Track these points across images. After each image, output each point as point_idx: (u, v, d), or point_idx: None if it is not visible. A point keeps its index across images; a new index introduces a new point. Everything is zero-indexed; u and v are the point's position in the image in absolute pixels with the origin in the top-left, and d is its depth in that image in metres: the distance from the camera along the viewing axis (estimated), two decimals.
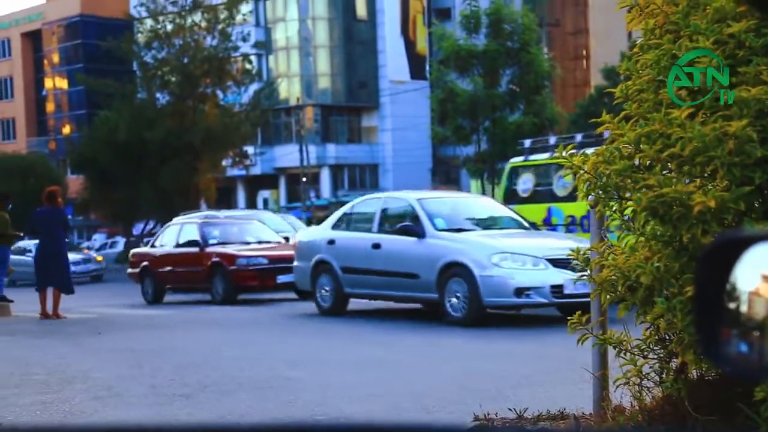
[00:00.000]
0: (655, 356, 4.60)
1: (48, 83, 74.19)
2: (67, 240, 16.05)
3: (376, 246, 13.01)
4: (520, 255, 11.55)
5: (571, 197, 14.17)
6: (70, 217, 23.37)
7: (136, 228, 46.73)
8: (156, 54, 43.22)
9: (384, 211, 13.54)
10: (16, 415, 6.62)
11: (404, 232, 12.53)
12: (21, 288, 23.96)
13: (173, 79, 42.78)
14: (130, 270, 20.30)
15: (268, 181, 62.96)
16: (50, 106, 73.79)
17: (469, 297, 11.58)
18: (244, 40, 43.28)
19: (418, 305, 13.73)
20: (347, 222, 14.18)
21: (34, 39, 76.14)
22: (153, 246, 20.43)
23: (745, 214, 3.95)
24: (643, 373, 4.63)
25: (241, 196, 63.93)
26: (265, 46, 56.04)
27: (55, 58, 73.30)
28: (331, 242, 13.90)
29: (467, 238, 12.14)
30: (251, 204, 63.51)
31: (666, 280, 4.11)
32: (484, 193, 31.15)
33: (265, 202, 63.71)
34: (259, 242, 18.77)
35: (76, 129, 62.53)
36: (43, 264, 15.04)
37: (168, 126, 40.90)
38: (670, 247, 4.12)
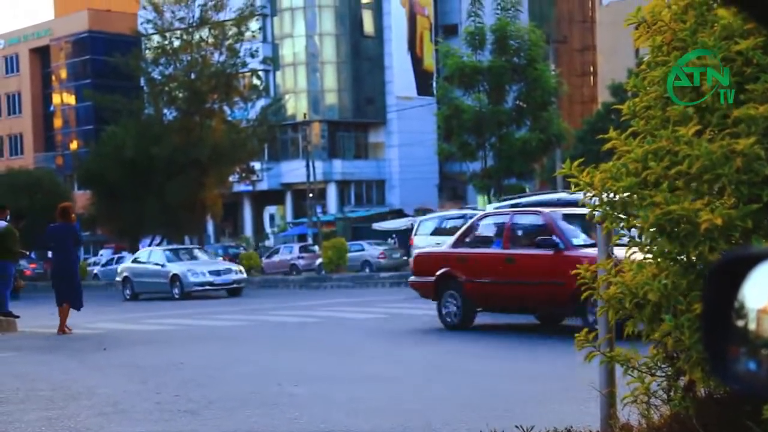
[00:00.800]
0: (663, 374, 4.57)
1: (56, 99, 74.48)
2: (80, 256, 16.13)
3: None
4: None
5: None
6: None
7: (142, 243, 46.74)
8: (163, 70, 43.36)
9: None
10: (21, 431, 6.61)
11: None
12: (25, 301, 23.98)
13: (180, 94, 42.90)
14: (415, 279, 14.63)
15: (275, 196, 63.01)
16: (58, 122, 74.05)
17: None
18: (252, 56, 43.40)
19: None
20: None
21: (42, 55, 76.48)
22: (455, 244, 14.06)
23: (752, 231, 3.93)
24: (651, 391, 4.60)
25: (247, 211, 63.99)
26: (273, 62, 56.19)
27: (63, 74, 73.61)
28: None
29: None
30: (257, 220, 63.59)
31: (673, 298, 4.10)
32: None
33: (272, 217, 63.76)
34: None
35: (84, 144, 62.73)
36: (58, 279, 15.22)
37: (175, 142, 40.99)
38: (677, 264, 4.10)
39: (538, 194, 20.40)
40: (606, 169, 4.29)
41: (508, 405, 6.99)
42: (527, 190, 36.02)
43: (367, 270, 38.00)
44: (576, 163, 4.51)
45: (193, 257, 29.26)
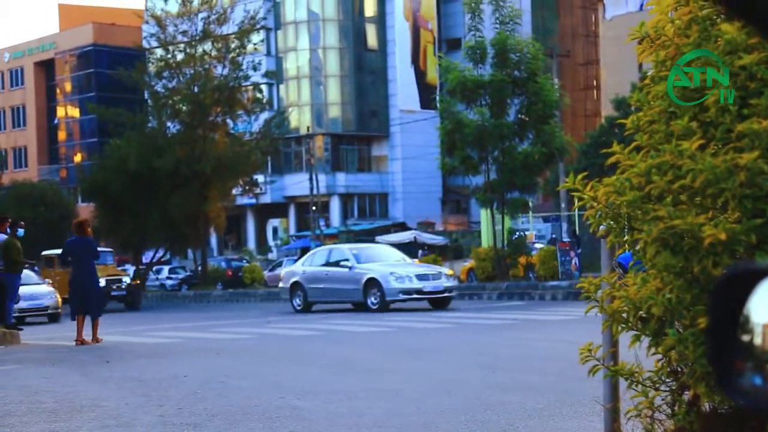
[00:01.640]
0: (667, 388, 4.56)
1: (60, 112, 74.69)
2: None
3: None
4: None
5: None
6: None
7: (145, 256, 46.80)
8: (167, 83, 43.45)
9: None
10: None
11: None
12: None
13: (184, 108, 42.98)
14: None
15: (278, 209, 63.06)
16: (62, 135, 74.24)
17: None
18: (255, 69, 43.48)
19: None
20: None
21: (46, 68, 76.74)
22: None
23: (756, 246, 3.93)
24: (655, 406, 4.59)
25: (250, 224, 64.03)
26: (276, 76, 56.29)
27: (68, 87, 73.84)
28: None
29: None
30: (261, 233, 63.63)
31: (677, 312, 4.09)
32: (494, 222, 31.10)
33: (275, 230, 63.78)
34: None
35: (87, 157, 62.86)
36: (77, 292, 15.51)
37: (178, 154, 41.03)
38: (681, 278, 4.10)
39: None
40: (609, 183, 4.29)
41: (511, 418, 6.98)
42: (530, 203, 36.03)
43: None
44: (580, 177, 4.52)
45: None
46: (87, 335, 15.40)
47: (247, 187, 46.74)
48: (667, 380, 4.54)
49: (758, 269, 1.70)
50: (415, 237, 45.64)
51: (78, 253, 15.55)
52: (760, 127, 3.88)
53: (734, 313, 1.69)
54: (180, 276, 49.94)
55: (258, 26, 47.02)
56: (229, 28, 43.27)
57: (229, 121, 44.05)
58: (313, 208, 52.32)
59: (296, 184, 59.54)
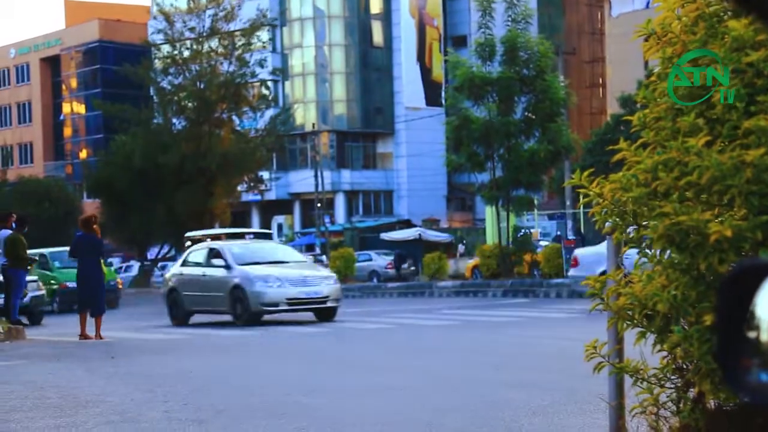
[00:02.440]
0: (673, 385, 4.55)
1: (66, 108, 74.75)
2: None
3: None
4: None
5: None
6: None
7: (150, 252, 46.86)
8: (173, 79, 43.49)
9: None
10: None
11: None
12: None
13: (189, 104, 43.03)
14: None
15: (283, 206, 63.06)
16: (68, 131, 74.30)
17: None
18: (261, 65, 43.48)
19: None
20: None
21: (52, 64, 76.78)
22: None
23: (762, 243, 3.92)
24: (660, 403, 4.58)
25: (255, 221, 64.04)
26: (282, 72, 56.27)
27: (73, 83, 73.89)
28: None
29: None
30: (266, 229, 63.66)
31: (683, 309, 4.08)
32: (499, 219, 31.06)
33: (280, 227, 63.81)
34: None
35: (93, 153, 62.93)
36: (81, 288, 15.68)
37: (184, 151, 41.08)
38: (687, 275, 4.09)
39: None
40: (616, 180, 4.28)
41: (515, 416, 6.97)
42: (535, 201, 35.97)
43: (375, 280, 37.99)
44: (586, 173, 4.51)
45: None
46: (91, 331, 15.42)
47: (252, 184, 46.78)
48: (673, 377, 4.54)
49: (765, 265, 1.70)
50: (419, 234, 45.60)
51: (83, 249, 15.60)
52: (766, 124, 3.87)
53: (741, 309, 1.68)
54: None
55: (267, 23, 47.04)
56: (236, 25, 43.29)
57: (234, 117, 44.10)
58: (318, 205, 52.32)
59: (301, 180, 59.55)
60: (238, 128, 44.51)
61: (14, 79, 79.59)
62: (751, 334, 1.67)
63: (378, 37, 64.02)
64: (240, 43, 42.79)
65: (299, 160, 62.67)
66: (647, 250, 4.33)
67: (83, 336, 15.26)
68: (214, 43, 43.04)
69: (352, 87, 62.90)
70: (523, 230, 32.71)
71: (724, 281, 1.76)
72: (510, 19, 30.04)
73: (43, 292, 22.45)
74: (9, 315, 16.36)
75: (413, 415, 7.20)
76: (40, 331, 17.72)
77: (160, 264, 48.22)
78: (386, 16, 64.04)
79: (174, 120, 44.26)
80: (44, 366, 11.55)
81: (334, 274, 20.63)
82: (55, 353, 13.30)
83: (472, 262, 35.27)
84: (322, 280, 18.82)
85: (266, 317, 18.29)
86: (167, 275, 21.31)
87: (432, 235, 47.30)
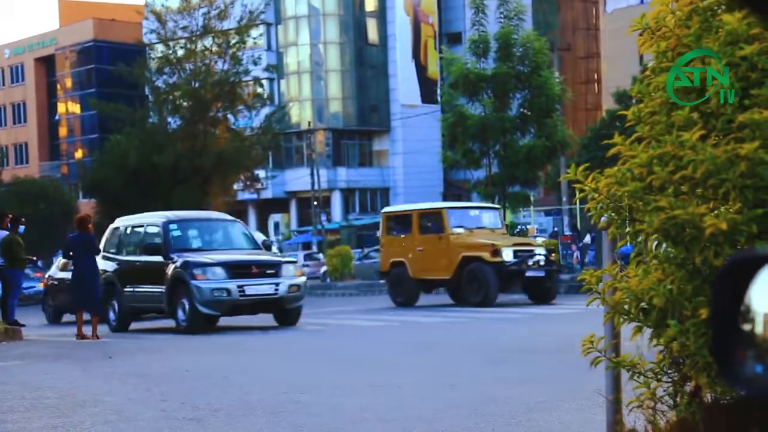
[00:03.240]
0: (669, 379, 4.56)
1: (61, 108, 74.67)
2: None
3: None
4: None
5: None
6: None
7: None
8: (167, 79, 43.44)
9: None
10: None
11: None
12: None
13: (184, 103, 42.98)
14: None
15: (279, 204, 63.06)
16: (63, 131, 74.23)
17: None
18: (255, 63, 43.46)
19: None
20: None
21: (47, 64, 76.69)
22: None
23: (758, 236, 3.93)
24: (657, 397, 4.59)
25: (252, 219, 64.03)
26: (277, 70, 56.23)
27: (68, 83, 73.80)
28: None
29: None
30: (262, 228, 63.66)
31: (679, 303, 4.09)
32: None
33: (276, 225, 63.79)
34: None
35: (88, 153, 62.88)
36: (76, 288, 15.65)
37: (179, 150, 41.05)
38: (683, 269, 4.10)
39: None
40: (611, 174, 4.29)
41: (513, 412, 6.98)
42: (532, 197, 36.02)
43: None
44: (581, 168, 4.51)
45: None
46: (87, 331, 15.43)
47: (248, 183, 46.73)
48: (669, 371, 4.54)
49: (759, 256, 1.70)
50: None
51: (78, 249, 15.62)
52: (761, 118, 3.87)
53: (736, 302, 1.69)
54: None
55: (258, 21, 47.01)
56: (230, 24, 43.26)
57: (229, 116, 44.05)
58: (315, 203, 52.32)
59: (297, 179, 59.55)
60: (234, 127, 44.47)
61: (9, 79, 79.48)
62: (746, 327, 1.68)
63: (373, 35, 64.01)
64: (234, 41, 42.75)
65: (295, 158, 62.66)
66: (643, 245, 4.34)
67: (80, 336, 15.28)
68: (208, 41, 43.00)
69: (348, 85, 62.89)
70: (519, 226, 32.74)
71: (719, 274, 1.76)
72: (503, 15, 30.08)
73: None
74: (6, 316, 16.36)
75: (412, 412, 7.20)
76: (36, 332, 17.70)
77: None
78: (381, 14, 64.03)
79: (169, 119, 44.21)
80: (41, 366, 11.54)
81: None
82: (52, 353, 13.29)
83: None
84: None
85: None
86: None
87: None
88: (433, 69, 62.97)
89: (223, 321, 16.80)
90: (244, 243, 17.08)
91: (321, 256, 42.17)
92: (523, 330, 14.38)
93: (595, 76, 67.99)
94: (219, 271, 15.28)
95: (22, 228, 17.14)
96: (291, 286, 15.68)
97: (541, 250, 20.57)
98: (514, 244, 20.57)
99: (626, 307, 4.40)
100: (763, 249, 3.52)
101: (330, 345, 13.45)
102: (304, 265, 43.46)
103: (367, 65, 63.36)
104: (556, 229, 38.97)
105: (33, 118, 78.05)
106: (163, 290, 15.66)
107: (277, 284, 15.52)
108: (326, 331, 15.99)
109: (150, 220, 17.37)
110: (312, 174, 52.32)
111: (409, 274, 21.10)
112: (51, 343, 15.14)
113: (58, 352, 13.38)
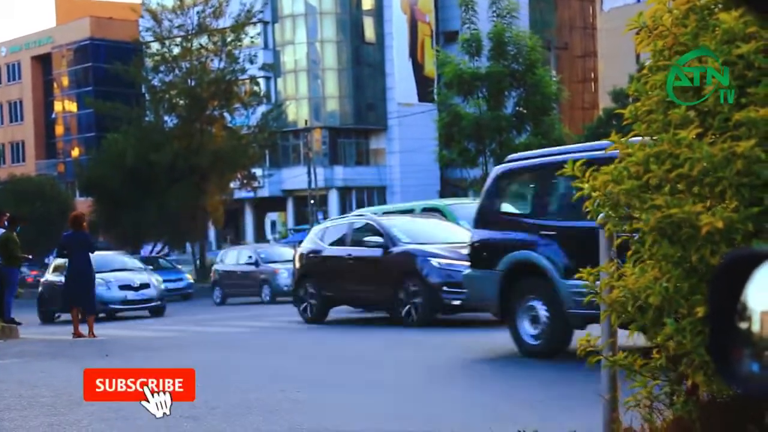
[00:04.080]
0: (666, 378, 4.56)
1: (57, 106, 74.55)
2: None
3: None
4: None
5: None
6: None
7: (144, 250, 46.76)
8: (163, 77, 43.41)
9: None
10: None
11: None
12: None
13: (181, 101, 42.96)
14: None
15: (276, 203, 63.01)
16: (59, 129, 74.11)
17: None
18: (252, 61, 43.43)
19: None
20: None
21: (44, 62, 76.57)
22: None
23: (754, 235, 3.93)
24: (654, 395, 4.59)
25: (248, 218, 64.00)
26: (274, 69, 56.20)
27: (65, 82, 73.69)
28: None
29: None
30: (259, 227, 63.63)
31: (675, 301, 4.09)
32: None
33: (273, 224, 63.75)
34: None
35: (85, 152, 62.81)
36: (71, 286, 15.64)
37: (176, 148, 41.02)
38: (679, 267, 4.10)
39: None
40: (607, 172, 4.29)
41: (510, 409, 6.98)
42: None
43: None
44: (579, 163, 4.51)
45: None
46: (84, 329, 15.42)
47: (245, 181, 46.72)
48: (666, 370, 4.54)
49: (756, 254, 1.70)
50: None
51: (73, 247, 15.59)
52: (757, 116, 3.88)
53: (733, 300, 1.69)
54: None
55: (255, 20, 46.99)
56: (225, 22, 43.23)
57: (226, 114, 44.03)
58: (312, 201, 52.30)
59: (294, 177, 59.51)
60: (230, 125, 44.44)
61: (5, 77, 79.36)
62: (743, 325, 1.68)
63: (370, 34, 63.96)
64: (230, 39, 42.73)
65: (292, 156, 62.61)
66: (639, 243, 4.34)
67: (76, 334, 15.27)
68: (203, 40, 42.98)
69: (345, 83, 62.84)
70: None
71: (716, 272, 1.76)
72: (495, 14, 30.08)
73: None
74: (3, 314, 16.34)
75: (410, 410, 7.20)
76: (33, 330, 17.69)
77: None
78: (378, 12, 63.98)
79: (166, 118, 44.20)
80: (38, 364, 11.53)
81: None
82: (49, 351, 13.28)
83: None
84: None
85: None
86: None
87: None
88: (430, 68, 62.92)
89: (223, 318, 16.80)
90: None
91: None
92: None
93: (592, 75, 68.00)
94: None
95: (17, 227, 17.12)
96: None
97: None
98: None
99: (623, 305, 4.40)
100: (760, 247, 3.52)
101: (327, 342, 13.44)
102: None
103: (364, 64, 63.32)
104: None
105: (29, 117, 77.94)
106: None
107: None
108: (322, 328, 15.97)
109: None
110: (309, 172, 52.30)
111: None
112: (48, 342, 15.12)
113: (54, 351, 13.37)
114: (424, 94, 61.30)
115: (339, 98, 63.09)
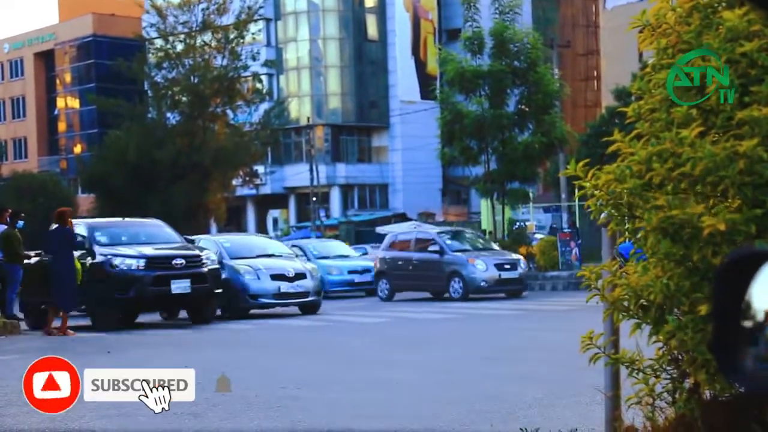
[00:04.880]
0: (668, 376, 4.56)
1: (60, 103, 74.55)
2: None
3: None
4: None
5: None
6: None
7: None
8: (166, 74, 43.41)
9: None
10: None
11: None
12: None
13: (183, 98, 42.95)
14: None
15: (278, 200, 63.02)
16: (62, 126, 74.11)
17: None
18: (254, 58, 43.43)
19: None
20: None
21: (46, 59, 76.57)
22: None
23: (757, 236, 3.92)
24: (656, 393, 4.59)
25: (251, 215, 64.02)
26: (276, 66, 56.19)
27: (68, 78, 73.70)
28: None
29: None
30: (261, 224, 63.65)
31: (677, 299, 4.09)
32: (494, 212, 31.08)
33: (275, 221, 63.78)
34: None
35: (87, 148, 62.80)
36: (51, 282, 15.49)
37: (178, 145, 41.02)
38: (681, 266, 4.10)
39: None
40: (610, 171, 4.28)
41: (512, 408, 6.98)
42: (530, 194, 36.00)
43: None
44: (581, 163, 4.51)
45: None
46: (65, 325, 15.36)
47: (247, 178, 46.72)
48: (668, 368, 4.54)
49: (760, 252, 1.70)
50: (416, 227, 45.60)
51: (56, 243, 15.46)
52: (760, 114, 3.87)
53: (736, 298, 1.69)
54: None
55: (257, 17, 46.98)
56: (229, 19, 43.23)
57: (228, 111, 44.02)
58: (314, 198, 52.31)
59: (296, 174, 59.51)
60: (233, 122, 44.44)
61: (8, 73, 79.37)
62: (747, 323, 1.68)
63: (372, 31, 63.94)
64: (232, 36, 42.72)
65: (294, 154, 62.61)
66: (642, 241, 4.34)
67: (49, 331, 15.19)
68: (207, 36, 42.97)
69: (347, 81, 62.83)
70: (518, 223, 32.72)
71: (720, 271, 1.76)
72: (497, 11, 30.03)
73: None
74: (5, 310, 16.34)
75: (410, 409, 7.20)
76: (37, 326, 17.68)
77: None
78: (381, 10, 63.96)
79: (168, 114, 44.19)
80: None
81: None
82: (50, 348, 13.28)
83: None
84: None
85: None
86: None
87: (428, 228, 47.24)
88: (433, 65, 62.83)
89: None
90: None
91: None
92: (521, 326, 14.38)
93: (595, 73, 67.94)
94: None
95: (21, 223, 17.10)
96: None
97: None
98: None
99: (625, 303, 4.40)
100: (764, 246, 3.51)
101: (327, 340, 13.44)
102: None
103: (366, 61, 63.30)
104: (554, 225, 38.97)
105: (32, 113, 77.95)
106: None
107: None
108: (324, 327, 15.98)
109: None
110: (311, 170, 52.29)
111: None
112: (49, 338, 15.11)
113: (56, 347, 13.36)
114: (426, 92, 61.25)
115: (341, 95, 63.08)
